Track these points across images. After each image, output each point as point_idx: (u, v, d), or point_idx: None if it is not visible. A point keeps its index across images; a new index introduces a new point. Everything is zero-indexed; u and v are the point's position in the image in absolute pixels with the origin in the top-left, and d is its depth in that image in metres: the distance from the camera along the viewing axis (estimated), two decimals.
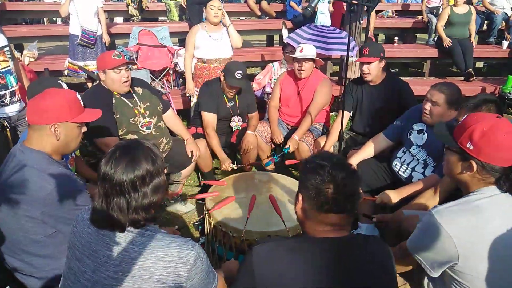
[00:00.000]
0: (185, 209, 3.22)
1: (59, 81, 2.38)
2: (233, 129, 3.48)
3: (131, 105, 2.78)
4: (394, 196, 2.39)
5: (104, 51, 5.26)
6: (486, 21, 7.05)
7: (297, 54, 3.36)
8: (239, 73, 3.14)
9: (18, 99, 3.11)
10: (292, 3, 6.93)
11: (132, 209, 1.25)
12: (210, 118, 3.29)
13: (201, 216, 2.42)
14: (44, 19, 10.11)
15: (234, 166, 3.16)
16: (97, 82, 2.85)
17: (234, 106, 3.41)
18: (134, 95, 2.83)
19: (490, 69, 7.68)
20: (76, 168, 2.47)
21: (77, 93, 1.83)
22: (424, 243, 1.45)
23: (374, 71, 3.08)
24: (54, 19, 9.98)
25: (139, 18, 7.07)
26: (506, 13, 6.88)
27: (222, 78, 3.27)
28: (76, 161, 2.46)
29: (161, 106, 2.99)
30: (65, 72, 5.36)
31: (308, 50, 3.35)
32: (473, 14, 5.95)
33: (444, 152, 2.34)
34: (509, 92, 5.27)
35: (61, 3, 5.13)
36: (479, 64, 7.55)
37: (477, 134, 1.38)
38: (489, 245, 1.34)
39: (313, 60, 3.38)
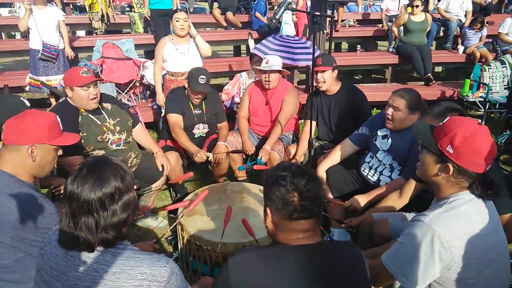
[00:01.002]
0: (157, 224, 3.17)
1: (21, 98, 2.30)
2: (195, 136, 3.42)
3: (99, 122, 2.72)
4: (363, 200, 2.47)
5: (67, 65, 5.14)
6: (442, 28, 7.39)
7: (263, 66, 3.41)
8: (202, 78, 3.15)
9: None
10: (258, 14, 7.05)
11: (101, 228, 1.21)
12: (176, 118, 3.29)
13: (172, 227, 2.38)
14: (2, 33, 9.75)
15: (209, 155, 3.17)
16: (63, 98, 2.77)
17: (201, 114, 3.39)
18: (102, 111, 2.76)
19: (448, 74, 8.05)
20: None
21: (57, 116, 1.80)
22: (413, 255, 1.39)
23: (328, 80, 3.16)
24: (13, 33, 9.65)
25: (102, 31, 6.95)
26: (460, 20, 7.24)
27: (186, 85, 3.27)
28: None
29: (131, 121, 2.94)
30: (27, 88, 5.19)
31: (273, 61, 3.41)
32: (429, 21, 6.24)
33: (409, 155, 2.46)
34: (467, 95, 5.53)
35: (19, 17, 4.97)
36: (438, 69, 7.89)
37: (458, 139, 1.39)
38: (478, 250, 1.36)
39: (279, 71, 3.43)
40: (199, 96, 3.27)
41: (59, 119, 1.80)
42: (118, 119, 2.82)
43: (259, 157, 3.25)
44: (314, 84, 3.24)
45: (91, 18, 6.74)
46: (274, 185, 1.30)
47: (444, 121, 1.49)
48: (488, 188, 1.42)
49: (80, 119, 2.65)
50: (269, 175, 1.37)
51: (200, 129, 3.43)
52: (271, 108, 3.52)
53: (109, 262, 1.22)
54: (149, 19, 6.34)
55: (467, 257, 1.35)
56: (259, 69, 3.51)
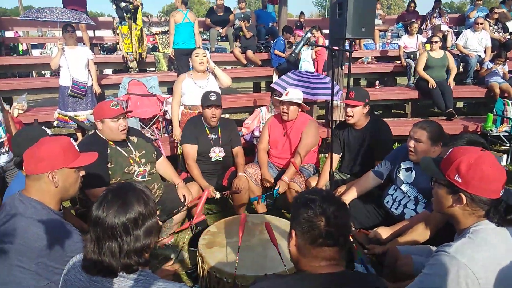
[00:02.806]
0: (177, 257, 3.14)
1: (43, 127, 2.39)
2: (212, 160, 3.47)
3: (125, 154, 2.79)
4: (387, 231, 2.42)
5: (94, 101, 5.35)
6: (461, 64, 7.40)
7: (283, 98, 3.47)
8: (212, 95, 3.29)
9: (7, 150, 3.11)
10: (277, 51, 7.24)
11: (124, 253, 1.23)
12: (189, 149, 3.38)
13: (194, 264, 2.36)
14: (33, 72, 10.28)
15: (218, 194, 3.21)
16: (92, 131, 2.87)
17: (216, 138, 3.45)
18: (129, 143, 2.85)
19: (470, 109, 7.97)
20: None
21: (71, 138, 1.84)
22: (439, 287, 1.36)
23: (357, 114, 3.16)
24: (43, 72, 10.16)
25: (137, 70, 7.23)
26: (479, 55, 7.26)
27: (201, 110, 3.40)
28: (64, 212, 2.42)
29: (155, 153, 3.01)
30: (55, 123, 5.40)
31: (293, 93, 3.47)
32: (449, 57, 6.27)
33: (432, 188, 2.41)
34: (490, 129, 5.44)
35: (51, 57, 5.25)
36: (459, 104, 7.83)
37: (464, 167, 1.41)
38: (506, 281, 1.33)
39: (298, 104, 3.48)
40: (214, 113, 3.33)
41: (73, 141, 1.83)
42: (144, 152, 2.90)
43: (276, 187, 3.25)
44: (334, 118, 3.26)
45: (126, 58, 7.04)
46: (302, 207, 1.30)
47: (448, 153, 1.51)
48: (506, 214, 1.40)
49: (108, 151, 2.73)
50: (298, 197, 1.37)
51: (216, 153, 3.48)
52: (290, 140, 3.54)
53: None
54: (173, 58, 6.60)
55: (490, 286, 1.31)
56: (279, 101, 3.57)
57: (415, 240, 2.23)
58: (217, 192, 3.25)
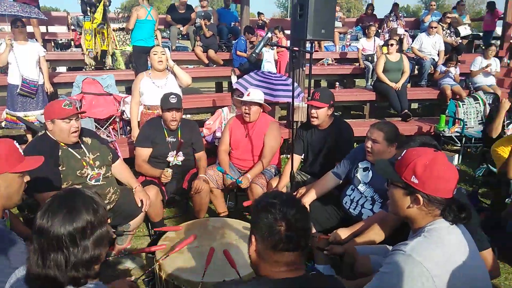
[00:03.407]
0: (134, 265, 3.02)
1: None
2: (170, 164, 3.28)
3: (78, 156, 2.65)
4: (345, 233, 2.43)
5: (45, 101, 5.08)
6: (416, 66, 7.70)
7: (245, 98, 3.44)
8: (172, 97, 3.18)
9: None
10: (239, 52, 7.21)
11: (71, 266, 1.14)
12: (142, 152, 3.29)
13: (150, 269, 2.27)
14: None
15: (169, 171, 3.13)
16: (42, 132, 2.70)
17: (175, 142, 3.34)
18: (82, 145, 2.70)
19: (424, 110, 8.31)
20: (11, 226, 2.26)
21: (15, 141, 1.72)
22: (396, 286, 1.37)
23: (322, 116, 3.17)
24: None
25: (92, 67, 6.95)
26: (433, 59, 7.58)
27: (160, 112, 3.29)
28: (11, 218, 2.25)
29: (111, 155, 2.88)
30: (3, 124, 5.09)
31: (255, 94, 3.44)
32: (404, 60, 6.50)
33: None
34: (443, 130, 5.69)
35: None
36: (414, 106, 8.15)
37: (419, 168, 1.43)
38: (455, 278, 1.36)
39: (259, 104, 3.46)
40: (174, 116, 3.23)
41: (17, 144, 1.72)
42: (98, 154, 2.76)
43: (239, 179, 3.23)
44: (295, 119, 3.27)
45: (85, 54, 6.78)
46: (262, 211, 1.26)
47: (402, 154, 1.53)
48: (459, 212, 1.44)
49: (60, 153, 2.58)
50: (258, 201, 1.33)
51: (174, 156, 3.33)
52: (252, 142, 3.51)
53: None
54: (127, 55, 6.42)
55: (449, 285, 1.34)
56: (240, 102, 3.52)
57: (372, 240, 2.27)
58: (170, 170, 3.14)
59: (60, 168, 2.57)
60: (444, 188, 1.43)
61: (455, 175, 1.46)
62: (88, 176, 2.68)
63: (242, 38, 7.37)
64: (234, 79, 5.99)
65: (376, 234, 2.29)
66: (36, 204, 2.59)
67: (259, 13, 10.54)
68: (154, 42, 6.17)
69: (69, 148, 2.62)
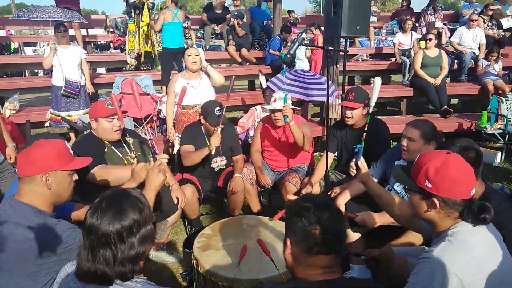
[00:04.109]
0: (172, 259, 3.12)
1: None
2: (215, 170, 3.40)
3: (120, 155, 2.76)
4: (375, 217, 2.40)
5: (87, 101, 5.30)
6: (456, 61, 7.41)
7: (272, 106, 3.37)
8: (218, 110, 3.19)
9: None
10: (272, 50, 7.20)
11: (119, 261, 1.21)
12: (187, 148, 3.32)
13: (189, 267, 2.34)
14: (26, 71, 10.18)
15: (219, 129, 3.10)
16: (87, 131, 2.84)
17: (217, 148, 3.39)
18: (124, 144, 2.81)
19: (464, 106, 8.00)
20: None
21: (66, 141, 1.83)
22: None
23: (356, 116, 3.11)
24: (36, 71, 10.05)
25: (133, 67, 7.17)
26: (474, 53, 7.27)
27: (203, 121, 3.30)
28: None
29: (151, 155, 2.98)
30: (47, 123, 5.35)
31: (281, 101, 3.30)
32: (443, 56, 6.28)
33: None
34: (485, 127, 5.46)
35: (44, 56, 5.19)
36: (454, 101, 7.86)
37: (432, 172, 1.43)
38: (482, 280, 1.35)
39: None
40: (215, 128, 3.28)
41: (68, 145, 1.82)
42: (139, 153, 2.87)
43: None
44: (330, 117, 3.23)
45: (127, 54, 7.01)
46: (296, 215, 1.28)
47: (416, 159, 1.53)
48: (480, 213, 1.41)
49: (106, 150, 2.70)
50: (292, 205, 1.35)
51: (218, 162, 3.43)
52: (284, 145, 3.50)
53: None
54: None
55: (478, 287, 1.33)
56: (268, 109, 3.49)
57: (410, 242, 2.23)
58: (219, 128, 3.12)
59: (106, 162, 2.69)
60: (459, 189, 1.42)
61: (471, 176, 1.45)
62: None
63: (277, 37, 7.35)
64: (262, 80, 5.97)
65: (414, 237, 2.24)
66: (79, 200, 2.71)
67: (289, 11, 10.48)
68: (184, 43, 6.32)
69: (113, 147, 2.74)
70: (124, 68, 7.13)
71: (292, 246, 1.30)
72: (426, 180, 1.44)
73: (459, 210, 1.43)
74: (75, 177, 1.83)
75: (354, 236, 2.40)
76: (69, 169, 1.76)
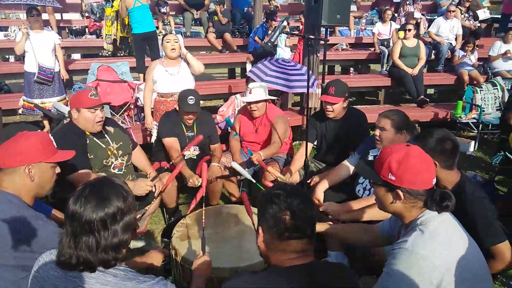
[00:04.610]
0: (150, 248, 3.09)
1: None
2: (185, 158, 3.36)
3: (103, 145, 2.71)
4: (339, 208, 2.50)
5: (61, 88, 5.16)
6: (433, 51, 7.53)
7: (247, 97, 3.36)
8: (191, 99, 3.14)
9: None
10: (257, 38, 7.10)
11: (102, 248, 1.22)
12: (171, 142, 3.27)
13: (168, 256, 2.32)
14: None
15: (199, 180, 3.07)
16: (67, 121, 2.76)
17: (193, 136, 3.36)
18: (106, 135, 2.75)
19: (440, 96, 8.16)
20: None
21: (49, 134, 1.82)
22: (404, 284, 1.39)
23: (337, 110, 3.12)
24: (7, 56, 9.69)
25: (109, 53, 6.99)
26: (451, 43, 7.40)
27: (177, 108, 3.27)
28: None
29: (132, 144, 2.93)
30: (20, 111, 5.18)
31: (257, 93, 3.33)
32: (421, 47, 6.36)
33: None
34: (460, 116, 5.59)
35: (15, 41, 4.99)
36: (430, 91, 8.01)
37: (394, 165, 1.49)
38: (457, 265, 1.40)
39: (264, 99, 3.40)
40: (190, 116, 3.25)
41: (51, 137, 1.83)
42: (121, 143, 2.82)
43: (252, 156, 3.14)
44: (310, 106, 3.24)
45: (103, 39, 6.81)
46: (267, 203, 1.31)
47: (378, 154, 1.59)
48: (441, 201, 1.48)
49: (87, 141, 2.64)
50: (264, 194, 1.39)
51: (191, 151, 3.39)
52: (261, 136, 3.52)
53: (111, 283, 1.22)
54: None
55: (451, 273, 1.38)
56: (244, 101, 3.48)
57: (372, 213, 2.28)
58: (199, 178, 3.11)
59: (88, 156, 2.64)
60: (421, 180, 1.48)
61: (431, 166, 1.51)
62: (112, 165, 2.75)
63: (264, 25, 7.23)
64: (249, 67, 5.93)
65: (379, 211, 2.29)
66: (56, 191, 2.65)
67: None
68: (154, 26, 6.11)
69: (94, 138, 2.68)
70: (100, 54, 6.94)
71: (264, 233, 1.33)
72: (390, 173, 1.50)
73: (422, 199, 1.49)
74: (58, 169, 1.82)
75: (334, 206, 2.47)
76: (53, 161, 1.76)
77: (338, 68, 9.70)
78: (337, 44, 8.46)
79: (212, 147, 3.50)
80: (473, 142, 5.34)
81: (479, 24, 8.47)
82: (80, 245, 1.21)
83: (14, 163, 1.65)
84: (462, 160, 5.01)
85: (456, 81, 6.82)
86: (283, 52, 6.95)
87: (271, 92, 3.53)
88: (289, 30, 6.77)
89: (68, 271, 1.23)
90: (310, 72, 2.85)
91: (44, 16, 6.51)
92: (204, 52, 9.21)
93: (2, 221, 1.55)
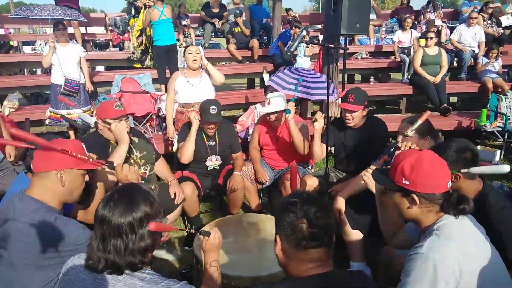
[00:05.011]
0: (171, 257, 3.12)
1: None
2: (208, 169, 3.41)
3: (127, 154, 2.76)
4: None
5: (87, 99, 5.30)
6: (456, 59, 7.41)
7: (266, 108, 3.36)
8: (213, 109, 3.17)
9: None
10: (280, 44, 7.10)
11: (129, 252, 1.26)
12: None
13: (189, 265, 2.34)
14: (25, 70, 10.16)
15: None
16: (93, 130, 2.83)
17: (214, 145, 3.40)
18: (130, 144, 2.81)
19: (464, 104, 7.99)
20: None
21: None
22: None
23: (357, 118, 3.09)
24: (34, 69, 10.03)
25: (139, 57, 7.11)
26: (473, 51, 7.26)
27: (199, 118, 3.30)
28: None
29: (155, 155, 2.98)
30: (46, 122, 5.34)
31: (276, 103, 3.33)
32: (443, 55, 6.27)
33: None
34: (484, 125, 5.46)
35: (43, 54, 5.18)
36: (453, 99, 7.86)
37: (407, 169, 1.50)
38: (473, 271, 1.38)
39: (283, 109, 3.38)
40: (212, 126, 3.29)
41: (84, 146, 1.87)
42: (145, 153, 2.87)
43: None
44: (330, 115, 3.22)
45: (134, 47, 6.95)
46: (284, 211, 1.31)
47: (392, 160, 1.61)
48: (458, 204, 1.47)
49: (110, 150, 2.70)
50: (280, 202, 1.40)
51: (213, 161, 3.43)
52: (281, 144, 3.51)
53: (137, 286, 1.25)
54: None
55: (469, 278, 1.37)
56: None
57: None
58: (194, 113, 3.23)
59: None
60: (435, 183, 1.48)
61: (445, 169, 1.51)
62: None
63: (289, 30, 7.24)
64: (266, 77, 5.96)
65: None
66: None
67: (287, 9, 10.46)
68: (175, 39, 6.26)
69: None
70: (130, 57, 6.99)
71: (281, 242, 1.32)
72: (403, 178, 1.51)
73: (439, 203, 1.49)
74: (87, 177, 1.87)
75: (353, 234, 2.41)
76: (84, 168, 1.81)
77: (358, 77, 9.65)
78: (357, 53, 8.42)
79: (233, 156, 3.52)
80: (498, 151, 5.19)
81: (502, 31, 8.29)
82: (109, 248, 1.25)
83: (47, 167, 1.70)
84: None
85: (480, 89, 6.67)
86: (302, 61, 6.97)
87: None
88: (308, 40, 6.76)
89: (97, 274, 1.27)
90: (330, 80, 2.85)
91: (70, 30, 6.73)
92: (224, 63, 9.33)
93: (31, 225, 1.60)
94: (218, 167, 3.46)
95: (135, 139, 2.87)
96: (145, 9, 6.46)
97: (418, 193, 1.48)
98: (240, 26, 7.72)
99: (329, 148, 3.33)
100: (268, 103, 3.35)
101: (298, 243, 1.26)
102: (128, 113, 2.70)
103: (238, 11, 7.96)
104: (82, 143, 1.88)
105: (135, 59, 6.95)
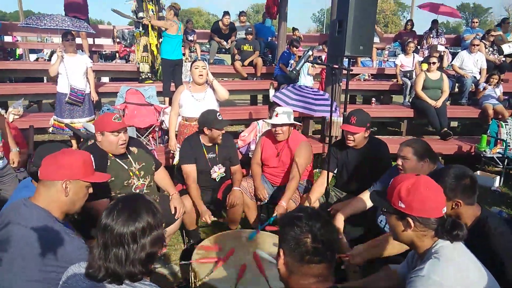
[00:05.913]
0: (167, 271, 3.11)
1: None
2: (217, 180, 3.43)
3: (125, 166, 2.77)
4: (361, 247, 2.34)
5: (91, 109, 5.34)
6: (457, 84, 7.50)
7: (273, 120, 3.41)
8: (219, 115, 3.29)
9: (1, 156, 3.08)
10: (282, 65, 7.21)
11: (130, 261, 1.26)
12: (189, 169, 3.32)
13: (185, 278, 2.33)
14: (44, 78, 10.26)
15: (213, 219, 3.14)
16: (92, 141, 2.85)
17: (213, 158, 3.43)
18: (129, 155, 2.82)
19: (464, 129, 8.05)
20: None
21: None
22: None
23: (358, 139, 3.12)
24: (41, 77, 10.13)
25: (148, 75, 7.09)
26: (475, 77, 7.36)
27: (207, 131, 3.30)
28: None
29: (155, 165, 2.99)
30: (50, 130, 5.37)
31: (283, 115, 3.37)
32: (445, 80, 6.35)
33: None
34: (484, 151, 5.49)
35: (50, 63, 5.25)
36: (454, 124, 7.91)
37: (403, 192, 1.54)
38: None
39: (289, 123, 3.43)
40: (222, 132, 3.34)
41: (92, 158, 1.89)
42: (144, 164, 2.88)
43: (274, 215, 3.09)
44: (332, 134, 3.25)
45: (139, 62, 6.99)
46: (288, 225, 1.32)
47: (390, 183, 1.64)
48: (452, 230, 1.50)
49: (108, 163, 2.70)
50: (284, 216, 1.40)
51: (217, 171, 3.44)
52: (282, 160, 3.52)
53: None
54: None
55: None
56: (270, 123, 3.52)
57: (386, 251, 2.23)
58: (212, 217, 3.16)
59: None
60: (430, 207, 1.51)
61: (440, 195, 1.55)
62: (134, 186, 2.80)
63: (287, 51, 7.37)
64: (272, 92, 6.04)
65: (393, 246, 2.21)
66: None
67: (293, 29, 10.63)
68: (182, 55, 6.42)
69: (117, 159, 2.75)
70: (140, 77, 7.03)
71: (285, 256, 1.33)
72: (400, 201, 1.54)
73: (433, 228, 1.52)
74: (90, 190, 1.88)
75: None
76: (90, 181, 1.82)
77: (360, 98, 9.73)
78: (359, 74, 8.53)
79: (232, 169, 3.54)
80: (498, 177, 5.22)
81: (504, 59, 8.42)
82: (110, 257, 1.26)
83: (53, 176, 1.72)
84: (487, 195, 4.89)
85: (480, 115, 6.74)
86: (305, 80, 7.06)
87: (294, 118, 3.57)
88: (313, 60, 6.86)
89: (96, 283, 1.27)
90: (332, 99, 2.90)
91: (78, 40, 6.82)
92: (227, 78, 9.43)
93: (33, 234, 1.60)
94: (224, 175, 3.48)
95: (134, 149, 2.88)
96: (148, 28, 6.64)
97: (413, 217, 1.52)
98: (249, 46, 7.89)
99: (331, 174, 3.32)
100: (276, 115, 3.41)
101: (302, 258, 1.27)
102: (127, 126, 2.72)
103: (250, 29, 8.11)
104: (91, 155, 1.89)
105: (147, 77, 7.00)
